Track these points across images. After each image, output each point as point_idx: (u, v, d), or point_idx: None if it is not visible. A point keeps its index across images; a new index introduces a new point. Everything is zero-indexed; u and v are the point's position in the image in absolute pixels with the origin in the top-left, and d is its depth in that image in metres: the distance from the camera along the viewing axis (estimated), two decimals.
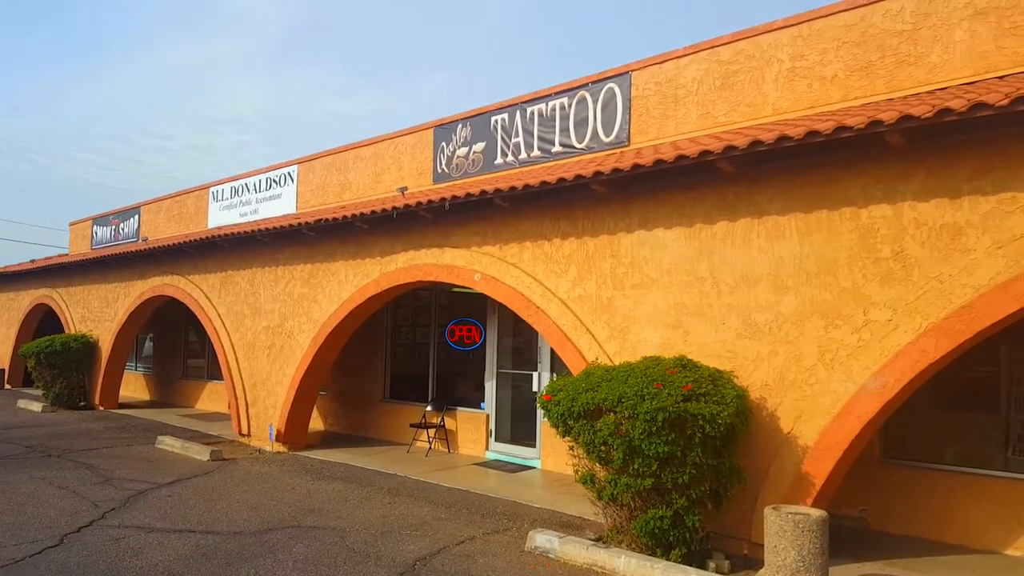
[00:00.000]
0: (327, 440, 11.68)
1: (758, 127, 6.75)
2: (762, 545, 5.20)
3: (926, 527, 6.43)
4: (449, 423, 10.79)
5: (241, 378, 11.92)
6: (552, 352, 9.19)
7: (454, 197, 8.05)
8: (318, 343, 10.50)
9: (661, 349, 6.59)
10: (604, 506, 5.96)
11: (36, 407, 15.52)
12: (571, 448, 6.11)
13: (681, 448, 5.35)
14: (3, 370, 20.70)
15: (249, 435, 11.59)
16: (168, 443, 10.95)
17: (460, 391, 11.11)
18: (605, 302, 7.18)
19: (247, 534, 6.55)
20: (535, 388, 9.60)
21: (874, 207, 5.52)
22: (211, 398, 15.90)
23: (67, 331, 17.31)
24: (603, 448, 5.62)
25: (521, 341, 10.16)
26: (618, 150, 8.35)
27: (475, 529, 6.78)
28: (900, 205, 5.41)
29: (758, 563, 5.46)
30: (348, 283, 10.22)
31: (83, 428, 12.99)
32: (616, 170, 6.56)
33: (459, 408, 10.79)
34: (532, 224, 7.93)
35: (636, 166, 6.38)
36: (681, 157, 6.04)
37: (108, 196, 78.92)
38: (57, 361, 15.54)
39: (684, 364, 5.95)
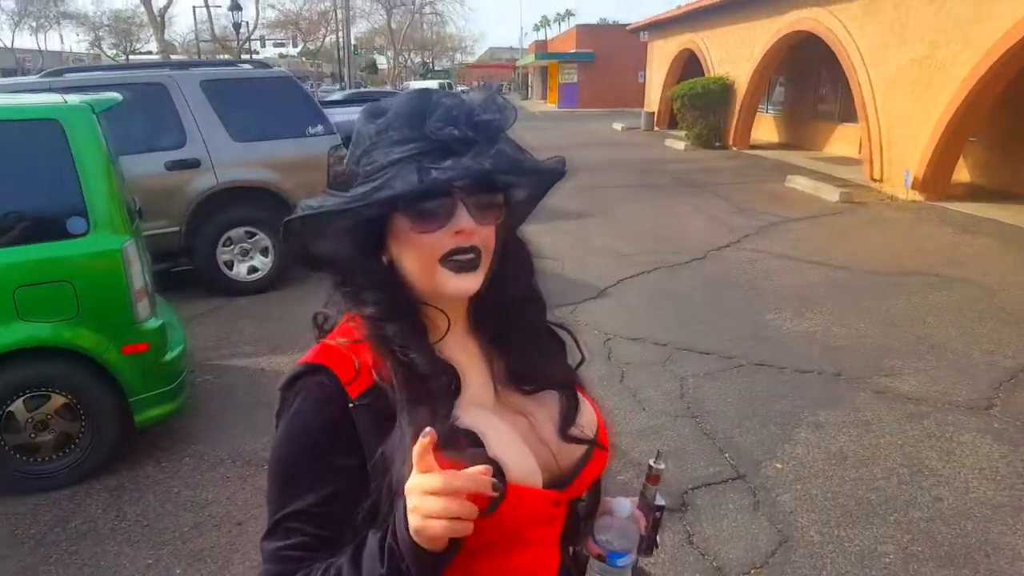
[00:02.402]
0: (973, 193, 10.11)
1: None
2: None
3: None
4: None
5: (878, 119, 10.98)
6: None
7: None
8: (977, 75, 8.69)
9: None
10: None
11: (679, 146, 17.78)
12: None
13: None
14: (653, 113, 24.03)
15: (881, 180, 10.87)
16: (797, 182, 11.18)
17: None
18: None
19: (879, 274, 6.37)
20: None
21: None
22: (840, 141, 15.35)
23: (706, 74, 18.70)
24: None
25: None
26: None
27: None
28: None
29: None
30: None
31: (718, 165, 14.34)
32: None
33: None
34: None
35: None
36: None
37: None
38: (698, 103, 17.14)
39: None
